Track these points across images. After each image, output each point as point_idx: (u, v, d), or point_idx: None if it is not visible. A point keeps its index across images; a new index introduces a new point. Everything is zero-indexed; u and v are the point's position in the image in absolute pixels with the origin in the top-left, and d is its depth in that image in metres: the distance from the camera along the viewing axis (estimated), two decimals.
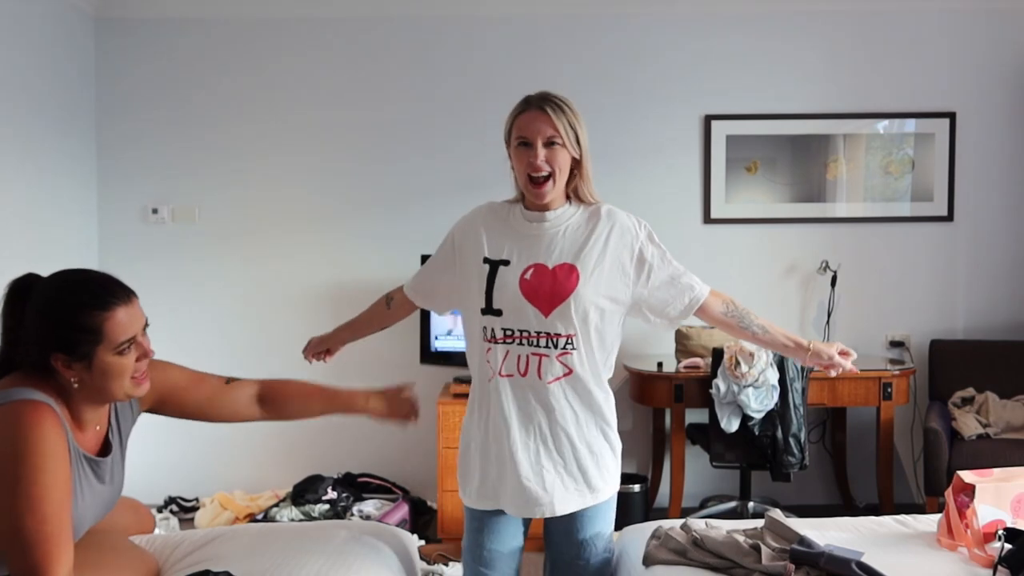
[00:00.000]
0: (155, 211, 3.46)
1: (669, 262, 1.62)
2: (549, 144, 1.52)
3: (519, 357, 1.54)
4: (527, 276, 1.55)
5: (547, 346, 1.54)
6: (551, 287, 1.54)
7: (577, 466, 1.57)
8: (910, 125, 3.47)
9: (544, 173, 1.53)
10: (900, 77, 3.46)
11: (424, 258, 3.20)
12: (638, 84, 3.43)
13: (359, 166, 3.47)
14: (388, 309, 1.81)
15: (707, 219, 3.48)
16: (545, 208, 1.58)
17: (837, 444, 3.46)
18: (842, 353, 1.66)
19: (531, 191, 1.56)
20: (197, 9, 3.42)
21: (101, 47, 3.42)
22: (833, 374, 1.68)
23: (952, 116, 3.45)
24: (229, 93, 3.44)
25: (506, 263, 1.56)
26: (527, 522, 1.69)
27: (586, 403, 1.58)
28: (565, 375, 1.55)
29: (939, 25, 3.44)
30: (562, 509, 1.58)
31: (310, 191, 3.47)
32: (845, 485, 3.42)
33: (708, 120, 3.44)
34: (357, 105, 3.45)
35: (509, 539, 1.67)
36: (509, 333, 1.55)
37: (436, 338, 3.22)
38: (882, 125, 3.48)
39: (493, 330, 1.56)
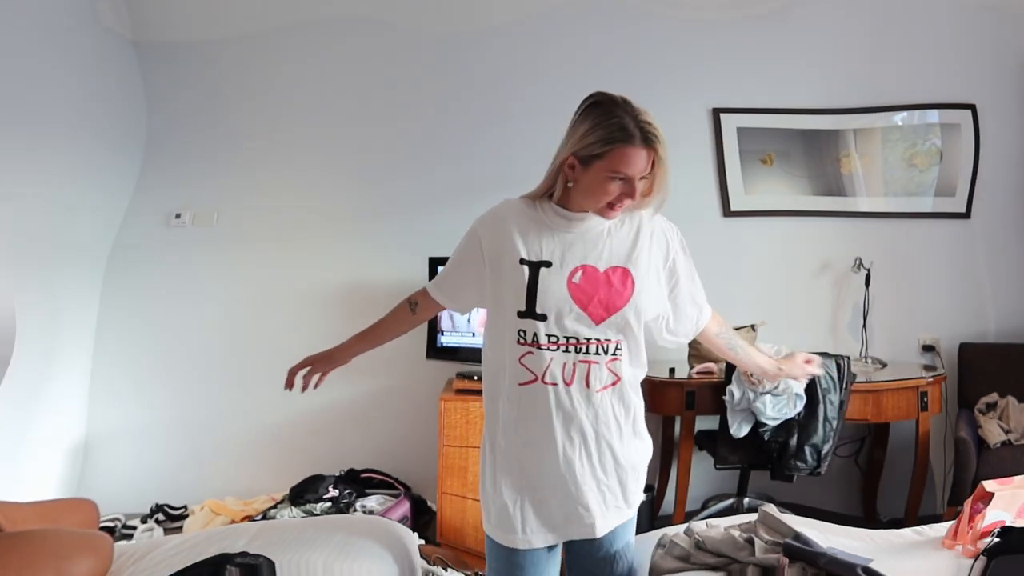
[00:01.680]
0: (178, 216, 3.54)
1: (694, 277, 1.58)
2: (641, 177, 1.43)
3: (564, 365, 1.44)
4: (575, 279, 1.45)
5: (597, 352, 1.45)
6: (607, 292, 1.45)
7: (617, 480, 1.50)
8: (933, 116, 3.30)
9: (639, 202, 1.47)
10: (915, 69, 3.31)
11: (432, 261, 3.24)
12: (643, 77, 3.35)
13: (371, 174, 3.48)
14: (413, 314, 1.68)
15: (727, 212, 3.36)
16: (576, 211, 1.49)
17: (875, 461, 3.24)
18: (805, 361, 1.71)
19: (604, 212, 1.46)
20: (219, 31, 3.43)
21: (144, 69, 3.46)
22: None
23: (973, 108, 3.28)
24: (252, 107, 3.49)
25: (547, 264, 1.46)
26: (558, 549, 1.57)
27: (628, 412, 1.50)
28: (613, 383, 1.47)
29: (954, 19, 3.29)
30: (604, 528, 1.50)
31: (321, 196, 3.49)
32: (872, 499, 3.26)
33: (716, 113, 3.37)
34: (367, 115, 3.46)
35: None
36: (554, 339, 1.44)
37: (442, 333, 3.23)
38: (900, 117, 3.32)
39: (536, 335, 1.45)
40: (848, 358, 2.76)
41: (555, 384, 1.44)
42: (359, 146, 3.49)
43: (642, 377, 1.54)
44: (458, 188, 3.45)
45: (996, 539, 1.53)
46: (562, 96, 3.36)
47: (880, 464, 3.25)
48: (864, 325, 3.26)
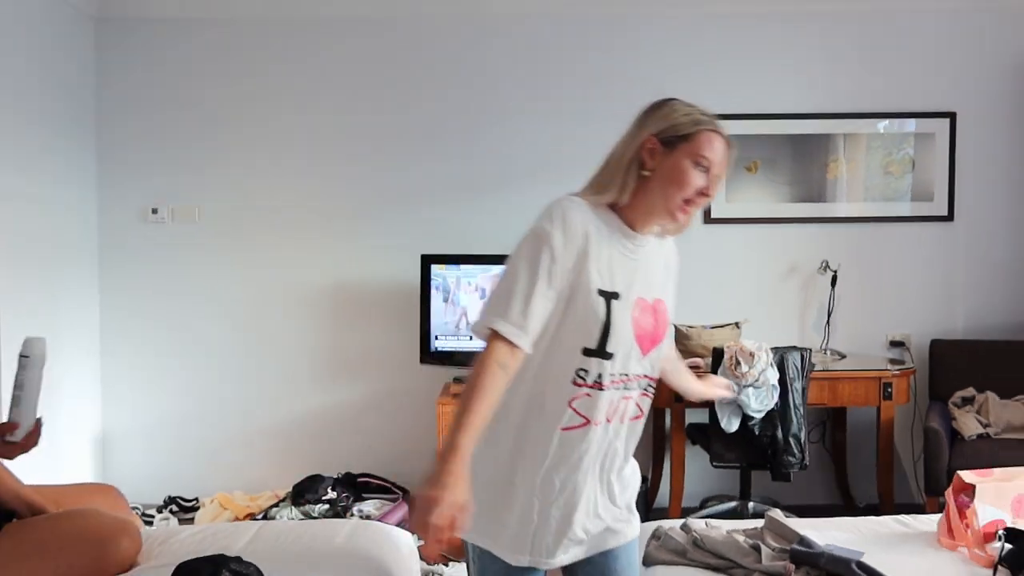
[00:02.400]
0: (155, 211, 3.46)
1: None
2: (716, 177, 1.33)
3: (611, 401, 1.32)
4: (636, 313, 1.32)
5: (635, 388, 1.35)
6: (654, 325, 1.35)
7: (626, 508, 1.43)
8: (910, 125, 3.47)
9: (708, 202, 1.35)
10: (900, 77, 3.45)
11: (425, 258, 3.23)
12: (637, 84, 3.41)
13: (359, 167, 3.46)
14: (509, 376, 1.26)
15: (708, 219, 3.48)
16: (640, 229, 1.35)
17: (837, 444, 3.46)
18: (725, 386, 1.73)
19: (676, 213, 1.30)
20: (197, 9, 3.41)
21: (101, 47, 3.42)
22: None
23: (952, 116, 3.45)
24: (230, 94, 3.44)
25: (616, 296, 1.29)
26: None
27: (638, 438, 1.42)
28: (635, 417, 1.37)
29: (939, 25, 3.44)
30: (628, 537, 1.42)
31: (311, 192, 3.47)
32: (846, 485, 3.42)
33: None
34: (357, 106, 3.45)
35: None
36: (613, 378, 1.31)
37: (436, 338, 3.22)
38: (882, 125, 3.48)
39: (601, 376, 1.29)
40: (809, 350, 2.98)
41: (599, 423, 1.32)
42: (348, 138, 3.47)
43: None
44: (452, 183, 3.45)
45: (1007, 544, 1.59)
46: (560, 95, 3.45)
47: (843, 446, 3.41)
48: (828, 321, 3.43)
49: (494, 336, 1.22)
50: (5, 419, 1.65)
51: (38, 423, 1.66)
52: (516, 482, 1.32)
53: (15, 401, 1.62)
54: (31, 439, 1.66)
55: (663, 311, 1.37)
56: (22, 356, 1.62)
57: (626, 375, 1.32)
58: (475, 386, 1.20)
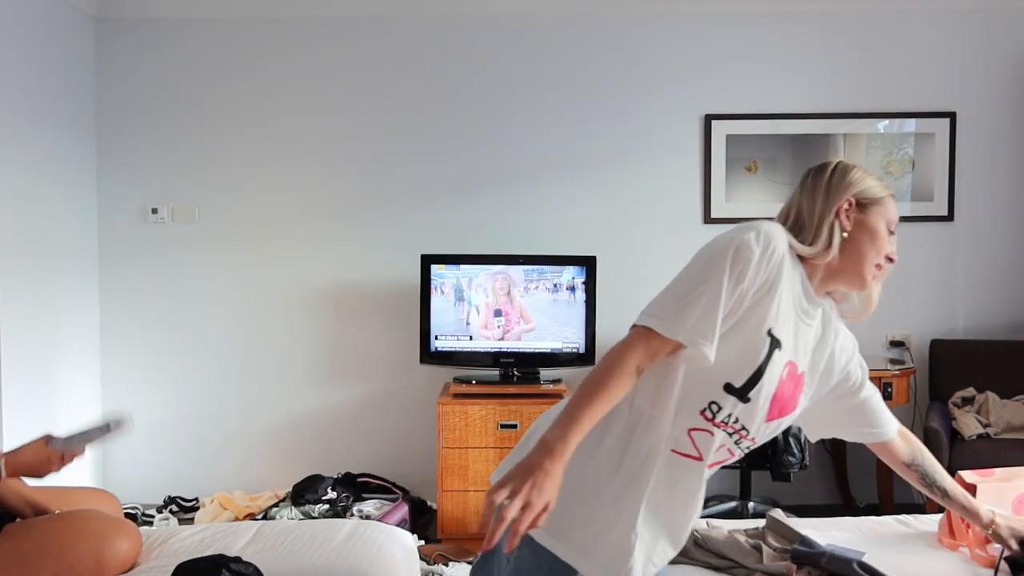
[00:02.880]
0: (155, 211, 3.46)
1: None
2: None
3: (721, 446, 1.25)
4: (784, 374, 1.24)
5: (739, 449, 1.27)
6: (791, 395, 1.26)
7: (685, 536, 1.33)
8: (910, 125, 3.47)
9: (892, 268, 1.33)
10: (900, 77, 3.45)
11: (425, 258, 3.23)
12: (638, 84, 3.43)
13: (360, 167, 3.46)
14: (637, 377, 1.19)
15: (707, 219, 3.47)
16: (817, 292, 1.30)
17: (837, 444, 3.46)
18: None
19: (868, 277, 1.29)
20: (197, 9, 3.41)
21: (101, 47, 3.42)
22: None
23: (952, 116, 3.45)
24: (230, 93, 3.44)
25: (780, 346, 1.22)
26: None
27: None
28: (717, 463, 1.29)
29: (939, 25, 3.45)
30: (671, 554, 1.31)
31: (311, 191, 3.47)
32: (845, 485, 3.42)
33: (708, 120, 3.44)
34: (357, 106, 3.45)
35: None
36: (736, 426, 1.23)
37: (436, 338, 3.22)
38: (882, 125, 3.48)
39: (729, 415, 1.22)
40: None
41: (708, 463, 1.26)
42: (348, 138, 3.48)
43: None
44: (452, 183, 3.45)
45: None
46: (560, 95, 3.46)
47: (843, 447, 3.40)
48: None
49: (647, 339, 1.15)
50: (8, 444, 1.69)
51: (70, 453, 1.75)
52: (623, 503, 1.22)
53: (79, 439, 1.72)
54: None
55: (802, 386, 1.29)
56: (107, 424, 1.73)
57: (745, 430, 1.24)
58: (606, 383, 1.12)
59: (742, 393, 1.20)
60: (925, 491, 1.53)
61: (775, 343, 1.21)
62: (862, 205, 1.29)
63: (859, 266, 1.28)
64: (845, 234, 1.28)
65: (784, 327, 1.23)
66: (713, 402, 1.21)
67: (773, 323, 1.21)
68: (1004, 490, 1.85)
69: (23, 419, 2.91)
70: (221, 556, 1.74)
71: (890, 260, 1.30)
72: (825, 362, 1.34)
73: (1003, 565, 1.60)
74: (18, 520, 1.78)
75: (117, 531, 1.77)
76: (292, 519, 2.96)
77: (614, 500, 1.23)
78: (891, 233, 1.31)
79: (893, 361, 3.33)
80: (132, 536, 1.81)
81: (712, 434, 1.23)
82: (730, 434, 1.24)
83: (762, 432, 1.27)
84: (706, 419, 1.22)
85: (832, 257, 1.27)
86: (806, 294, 1.27)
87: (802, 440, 2.88)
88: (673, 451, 1.24)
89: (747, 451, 1.30)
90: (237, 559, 1.73)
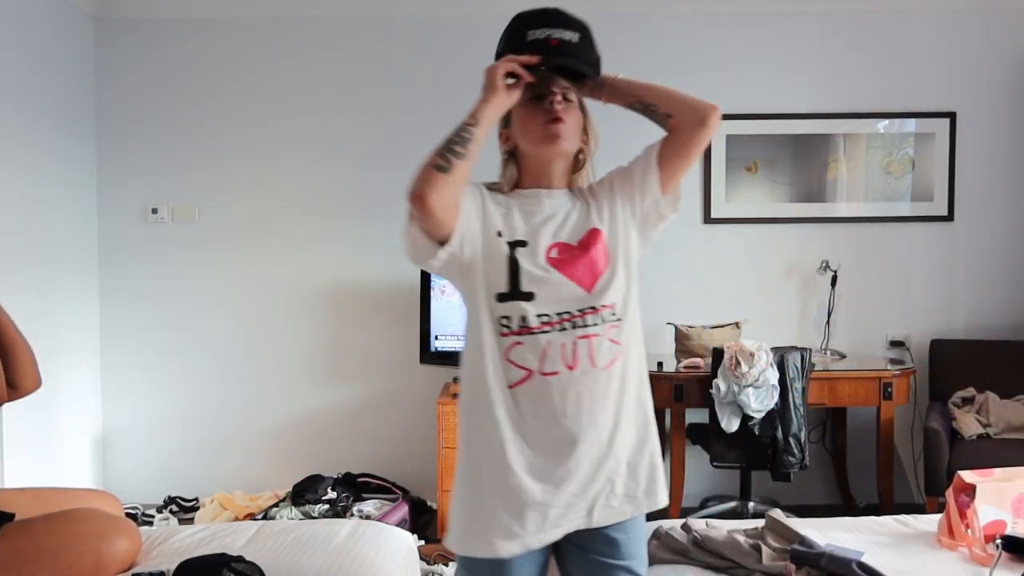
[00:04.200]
0: (155, 211, 3.46)
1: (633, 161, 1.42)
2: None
3: (563, 346, 1.27)
4: (553, 254, 1.31)
5: (594, 323, 1.29)
6: (587, 259, 1.31)
7: (627, 467, 1.32)
8: (910, 125, 3.47)
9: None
10: (900, 77, 3.46)
11: None
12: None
13: (360, 167, 3.47)
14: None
15: (707, 219, 3.47)
16: (548, 183, 1.38)
17: (837, 444, 3.46)
18: None
19: (548, 134, 1.38)
20: (197, 9, 3.42)
21: (101, 47, 3.42)
22: None
23: (952, 116, 3.45)
24: (230, 93, 3.44)
25: (523, 244, 1.31)
26: (545, 564, 1.36)
27: (639, 385, 1.35)
28: (618, 355, 1.31)
29: (939, 25, 3.45)
30: (620, 515, 1.32)
31: (311, 191, 3.47)
32: (845, 485, 3.42)
33: None
34: (357, 106, 3.45)
35: None
36: (546, 319, 1.27)
37: (436, 338, 3.22)
38: (882, 125, 3.48)
39: (525, 318, 1.27)
40: (809, 350, 2.99)
41: (557, 373, 1.27)
42: (348, 137, 3.48)
43: (642, 353, 1.38)
44: None
45: (1004, 552, 1.59)
46: None
47: (843, 446, 3.41)
48: (828, 321, 3.43)
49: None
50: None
51: None
52: (481, 462, 1.29)
53: None
54: None
55: (593, 241, 1.33)
56: None
57: (567, 313, 1.28)
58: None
59: (514, 293, 1.28)
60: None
61: (514, 244, 1.31)
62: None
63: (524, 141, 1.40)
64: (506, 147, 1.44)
65: (516, 230, 1.32)
66: (502, 317, 1.28)
67: (500, 227, 1.32)
68: (1004, 490, 1.86)
69: (23, 419, 2.91)
70: (223, 555, 1.74)
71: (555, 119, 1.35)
72: (599, 203, 1.38)
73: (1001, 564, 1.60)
74: (16, 520, 1.78)
75: (115, 530, 1.77)
76: (292, 519, 2.96)
77: (473, 471, 1.31)
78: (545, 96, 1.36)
79: (893, 361, 3.33)
80: (130, 535, 1.80)
81: (524, 343, 1.27)
82: (561, 329, 1.28)
83: (602, 296, 1.30)
84: (507, 335, 1.28)
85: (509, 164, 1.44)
86: (523, 194, 1.38)
87: (802, 440, 2.88)
88: (510, 387, 1.28)
89: (613, 318, 1.30)
90: (239, 558, 1.74)
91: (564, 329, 1.28)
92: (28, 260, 2.99)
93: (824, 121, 3.44)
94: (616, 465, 1.31)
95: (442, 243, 1.28)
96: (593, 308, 1.29)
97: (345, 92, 3.45)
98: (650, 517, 1.45)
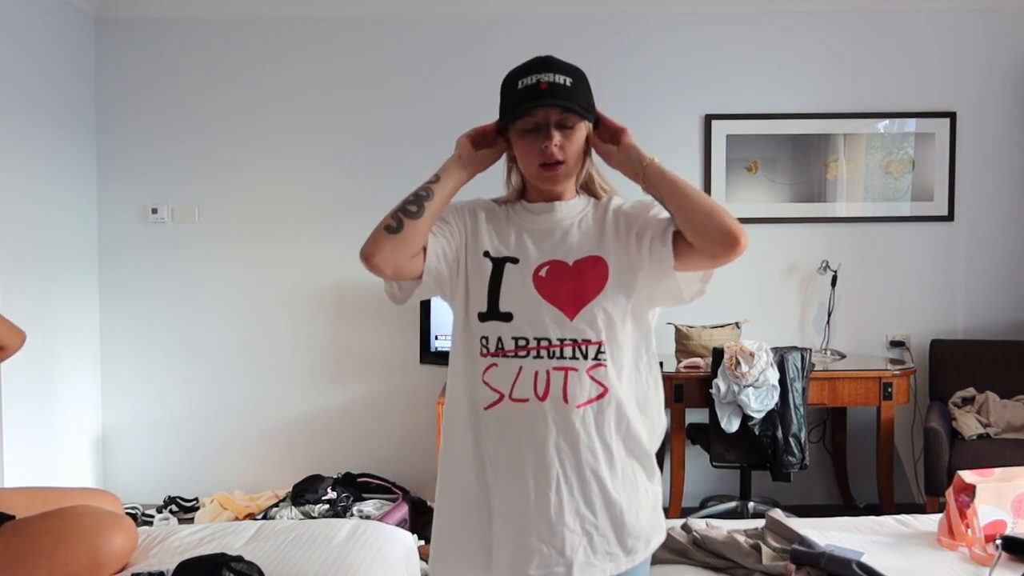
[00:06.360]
0: (155, 211, 3.46)
1: (653, 213, 1.31)
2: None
3: (536, 374, 1.22)
4: (542, 273, 1.27)
5: (575, 357, 1.22)
6: (575, 284, 1.25)
7: (609, 520, 1.23)
8: (910, 125, 3.48)
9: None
10: (900, 77, 3.46)
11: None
12: (638, 84, 3.43)
13: (360, 166, 3.47)
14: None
15: None
16: (556, 197, 1.33)
17: (837, 444, 3.47)
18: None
19: (543, 176, 1.31)
20: (197, 9, 3.42)
21: (101, 47, 3.42)
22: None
23: (952, 116, 3.45)
24: (229, 93, 3.45)
25: (514, 261, 1.28)
26: None
27: (623, 435, 1.25)
28: (599, 396, 1.22)
29: (939, 25, 3.45)
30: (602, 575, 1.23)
31: (311, 191, 3.47)
32: (845, 485, 3.42)
33: (708, 120, 3.45)
34: (356, 105, 3.45)
35: None
36: (523, 343, 1.23)
37: (436, 338, 3.22)
38: (882, 125, 3.48)
39: (500, 339, 1.24)
40: (809, 350, 3.00)
41: (526, 400, 1.21)
42: (348, 137, 3.48)
43: (653, 396, 1.30)
44: None
45: (1004, 553, 1.59)
46: None
47: (843, 446, 3.42)
48: (828, 321, 3.44)
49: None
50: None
51: None
52: (459, 488, 1.26)
53: None
54: None
55: (591, 267, 1.27)
56: None
57: (545, 339, 1.22)
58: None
59: (493, 313, 1.25)
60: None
61: (501, 261, 1.29)
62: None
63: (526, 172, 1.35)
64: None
65: (510, 245, 1.30)
66: (482, 337, 1.26)
67: (487, 247, 1.30)
68: (1004, 490, 1.86)
69: (23, 419, 2.92)
70: (222, 555, 1.74)
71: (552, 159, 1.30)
72: (615, 235, 1.30)
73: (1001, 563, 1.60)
74: (12, 520, 1.78)
75: (111, 527, 1.76)
76: (292, 519, 2.96)
77: (446, 492, 1.29)
78: (541, 132, 1.33)
79: (893, 361, 3.33)
80: (127, 531, 1.80)
81: (499, 366, 1.24)
82: (536, 356, 1.23)
83: (584, 328, 1.23)
84: (485, 356, 1.25)
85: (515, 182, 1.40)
86: (528, 208, 1.35)
87: (802, 440, 2.88)
88: (484, 408, 1.25)
89: (600, 356, 1.23)
90: (239, 558, 1.74)
91: (540, 356, 1.23)
92: (28, 260, 2.99)
93: (824, 121, 3.45)
94: (591, 515, 1.22)
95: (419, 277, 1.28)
96: (574, 340, 1.23)
97: (345, 91, 3.45)
98: None
